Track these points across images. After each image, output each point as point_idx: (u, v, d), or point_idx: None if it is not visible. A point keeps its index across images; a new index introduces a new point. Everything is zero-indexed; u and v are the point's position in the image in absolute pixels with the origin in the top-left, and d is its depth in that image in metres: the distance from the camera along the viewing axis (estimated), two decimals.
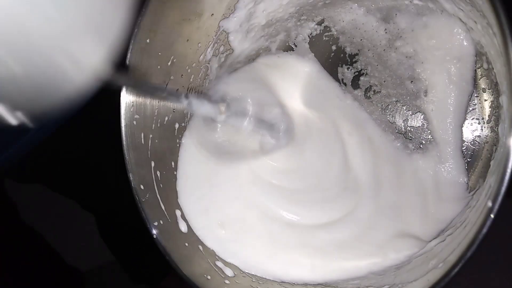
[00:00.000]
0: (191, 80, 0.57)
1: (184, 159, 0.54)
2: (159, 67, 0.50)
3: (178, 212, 0.50)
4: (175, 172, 0.54)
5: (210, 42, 0.56)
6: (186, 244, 0.47)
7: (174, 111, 0.55)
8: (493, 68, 0.50)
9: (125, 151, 0.46)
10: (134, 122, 0.48)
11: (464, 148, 0.54)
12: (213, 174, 0.53)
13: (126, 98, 0.47)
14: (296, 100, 0.61)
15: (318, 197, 0.52)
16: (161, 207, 0.48)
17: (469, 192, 0.52)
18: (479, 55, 0.52)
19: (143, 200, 0.46)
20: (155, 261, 0.51)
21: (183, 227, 0.49)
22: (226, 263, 0.47)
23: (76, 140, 0.74)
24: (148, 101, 0.50)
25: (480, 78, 0.53)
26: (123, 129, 0.46)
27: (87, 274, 0.99)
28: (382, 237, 0.49)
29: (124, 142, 0.46)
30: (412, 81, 0.57)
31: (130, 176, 0.46)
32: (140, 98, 0.49)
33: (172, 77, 0.53)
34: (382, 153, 0.57)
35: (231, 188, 0.52)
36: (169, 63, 0.51)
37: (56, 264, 0.91)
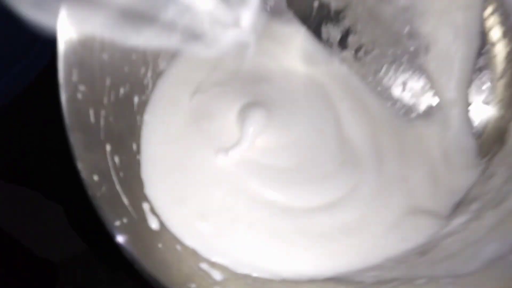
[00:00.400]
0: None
1: (149, 140, 0.44)
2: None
3: (146, 206, 0.40)
4: (138, 156, 0.43)
5: None
6: (160, 246, 0.37)
7: (130, 82, 0.44)
8: (510, 15, 0.43)
9: (68, 133, 0.35)
10: (79, 96, 0.37)
11: (472, 109, 0.48)
12: (186, 155, 0.43)
13: (67, 65, 0.36)
14: (273, 63, 0.52)
15: (315, 175, 0.44)
16: (123, 201, 0.38)
17: (481, 159, 0.46)
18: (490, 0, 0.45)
19: (98, 195, 0.35)
20: None
21: (153, 224, 0.39)
22: (213, 264, 0.38)
23: (22, 125, 0.63)
24: (97, 66, 0.38)
25: (491, 28, 0.46)
26: (64, 105, 0.35)
27: (60, 265, 0.94)
28: (392, 215, 0.42)
29: (67, 122, 0.35)
30: (410, 38, 0.50)
31: (78, 165, 0.35)
32: (85, 62, 0.37)
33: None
34: (380, 120, 0.50)
35: (210, 171, 0.42)
36: None
37: (27, 258, 0.84)
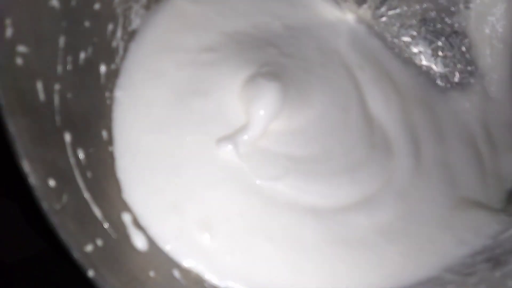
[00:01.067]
0: None
1: (123, 124, 0.33)
2: None
3: (127, 217, 0.29)
4: (110, 148, 0.31)
5: None
6: (152, 274, 0.27)
7: (94, 43, 0.31)
8: None
9: (7, 120, 0.23)
10: (19, 61, 0.24)
11: None
12: (176, 144, 0.32)
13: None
14: (278, 25, 0.41)
15: (343, 164, 0.35)
16: (94, 214, 0.27)
17: None
18: None
19: (58, 208, 0.24)
20: None
21: (139, 242, 0.29)
22: None
23: None
24: (44, 17, 0.26)
25: None
26: None
27: (16, 266, 0.81)
28: (440, 210, 0.34)
29: (3, 103, 0.23)
30: None
31: (25, 164, 0.23)
32: (25, 7, 0.25)
33: None
34: (409, 93, 0.41)
35: (209, 165, 0.32)
36: None
37: None
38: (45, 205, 0.24)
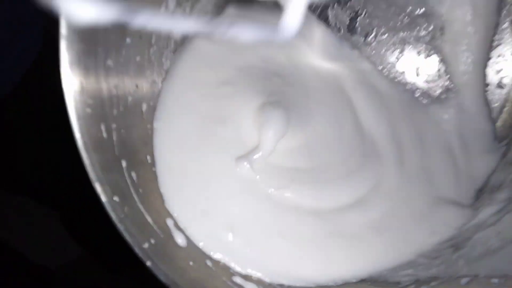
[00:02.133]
0: (152, 41, 0.42)
1: (162, 149, 0.41)
2: (109, 26, 0.35)
3: (170, 222, 0.38)
4: (153, 169, 0.40)
5: None
6: (191, 263, 0.36)
7: (137, 87, 0.40)
8: None
9: (84, 155, 0.32)
10: (88, 111, 0.33)
11: (488, 92, 0.47)
12: (204, 165, 0.41)
13: (70, 77, 0.32)
14: (282, 56, 0.49)
15: (339, 172, 0.42)
16: (147, 220, 0.36)
17: (499, 143, 0.46)
18: None
19: (122, 216, 0.33)
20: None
21: (180, 240, 0.37)
22: (246, 277, 0.37)
23: (14, 129, 0.59)
24: (102, 75, 0.35)
25: (509, 5, 0.44)
26: (75, 125, 0.32)
27: (57, 271, 0.92)
28: (419, 207, 0.42)
29: (80, 143, 0.32)
30: (424, 18, 0.48)
31: (98, 187, 0.32)
32: (90, 73, 0.34)
33: (128, 40, 0.38)
34: (395, 107, 0.48)
35: (232, 180, 0.40)
36: None
37: (23, 265, 0.82)
38: (113, 215, 0.33)
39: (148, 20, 0.21)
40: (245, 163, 0.40)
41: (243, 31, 0.21)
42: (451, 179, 0.44)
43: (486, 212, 0.38)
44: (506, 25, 0.45)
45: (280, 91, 0.44)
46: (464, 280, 0.33)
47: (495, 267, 0.31)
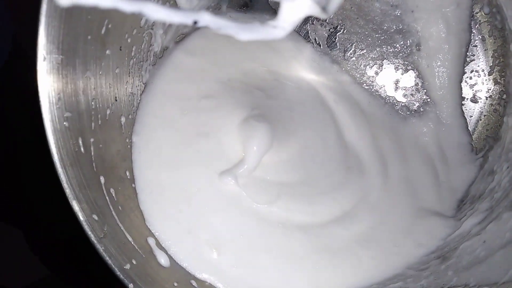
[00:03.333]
0: (132, 54, 0.41)
1: (141, 165, 0.39)
2: (89, 37, 0.33)
3: (151, 241, 0.36)
4: (133, 185, 0.38)
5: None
6: (176, 284, 0.34)
7: (116, 100, 0.39)
8: (498, 12, 0.44)
9: (60, 170, 0.30)
10: (66, 124, 0.32)
11: (464, 105, 0.48)
12: (185, 179, 0.39)
13: (48, 89, 0.30)
14: (263, 71, 0.49)
15: (325, 186, 0.42)
16: (128, 239, 0.34)
17: (476, 154, 0.47)
18: None
19: (102, 236, 0.31)
20: (100, 268, 0.36)
21: (163, 260, 0.35)
22: None
23: None
24: (80, 86, 0.33)
25: (479, 24, 0.46)
26: (51, 139, 0.30)
27: None
28: (404, 219, 0.42)
29: (56, 157, 0.30)
30: (401, 35, 0.49)
31: (75, 205, 0.30)
32: (68, 85, 0.32)
33: (108, 51, 0.36)
34: (376, 121, 0.49)
35: (214, 195, 0.39)
36: (102, 31, 0.35)
37: None
38: (92, 235, 0.31)
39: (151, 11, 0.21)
40: (230, 178, 0.39)
41: (239, 29, 0.22)
42: (433, 190, 0.44)
43: (470, 222, 0.39)
44: (477, 42, 0.47)
45: (263, 104, 0.44)
46: None
47: (484, 276, 0.32)
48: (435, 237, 0.40)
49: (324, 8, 0.23)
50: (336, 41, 0.51)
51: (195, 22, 0.20)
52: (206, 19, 0.21)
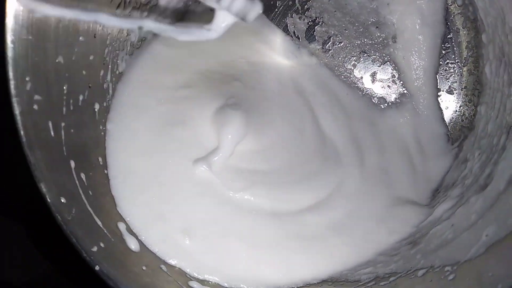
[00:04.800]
0: (107, 42, 0.41)
1: (115, 151, 0.40)
2: (61, 22, 0.34)
3: (121, 225, 0.36)
4: (105, 171, 0.38)
5: None
6: (144, 268, 0.34)
7: (90, 87, 0.39)
8: (470, 4, 0.44)
9: (28, 152, 0.30)
10: (35, 107, 0.32)
11: (440, 97, 0.49)
12: (159, 166, 0.39)
13: (17, 72, 0.30)
14: (242, 60, 0.49)
15: (300, 175, 0.42)
16: (96, 223, 0.34)
17: (452, 144, 0.47)
18: None
19: (69, 218, 0.31)
20: None
21: (132, 245, 0.35)
22: (204, 282, 0.35)
23: None
24: (52, 71, 0.33)
25: (453, 16, 0.47)
26: (18, 119, 0.30)
27: (20, 287, 0.84)
28: (379, 208, 0.42)
29: (24, 139, 0.30)
30: (377, 27, 0.50)
31: (42, 187, 0.30)
32: (38, 68, 0.32)
33: (81, 38, 0.37)
34: (353, 112, 0.49)
35: (189, 183, 0.39)
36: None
37: None
38: (59, 217, 0.31)
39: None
40: (204, 166, 0.39)
41: (179, 32, 0.27)
42: (409, 180, 0.45)
43: (441, 208, 0.39)
44: (451, 34, 0.47)
45: (240, 94, 0.44)
46: (420, 272, 0.33)
47: (449, 256, 0.32)
48: (408, 225, 0.40)
49: (243, 18, 0.28)
50: (314, 34, 0.52)
51: (140, 28, 0.24)
52: (149, 25, 0.26)
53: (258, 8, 0.28)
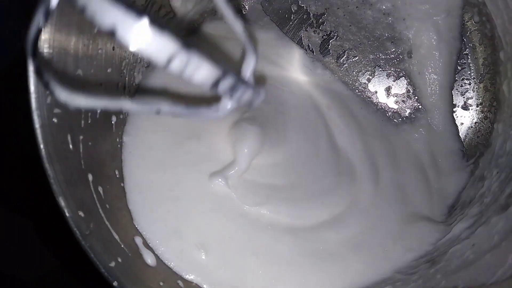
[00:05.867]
0: (125, 54, 0.41)
1: (131, 164, 0.39)
2: (81, 35, 0.34)
3: (138, 240, 0.36)
4: (122, 184, 0.38)
5: (148, 1, 0.41)
6: (161, 284, 0.33)
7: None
8: (487, 21, 0.44)
9: (47, 166, 0.30)
10: (55, 120, 0.32)
11: (455, 112, 0.49)
12: (176, 181, 0.39)
13: (38, 85, 0.30)
14: (257, 75, 0.49)
15: (315, 190, 0.42)
16: (114, 237, 0.33)
17: (467, 161, 0.47)
18: (469, 6, 0.46)
19: (87, 233, 0.31)
20: None
21: (149, 259, 0.35)
22: None
23: None
24: (73, 82, 0.33)
25: (469, 32, 0.47)
26: (38, 132, 0.30)
27: (31, 282, 0.83)
28: (394, 225, 0.42)
29: (44, 152, 0.30)
30: (393, 42, 0.49)
31: (61, 201, 0.30)
32: (60, 79, 0.32)
33: (100, 51, 0.37)
34: (368, 127, 0.49)
35: (203, 196, 0.38)
36: (95, 30, 0.35)
37: None
38: (77, 232, 0.30)
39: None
40: (220, 180, 0.39)
41: (191, 113, 0.27)
42: (424, 196, 0.44)
43: (460, 226, 0.39)
44: (468, 50, 0.47)
45: (255, 108, 0.44)
46: None
47: (472, 278, 0.31)
48: (425, 242, 0.40)
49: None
50: (329, 48, 0.52)
51: (158, 112, 0.26)
52: (165, 109, 0.26)
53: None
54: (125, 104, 0.26)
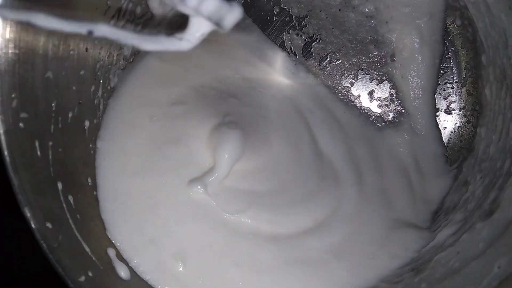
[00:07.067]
0: (99, 56, 0.39)
1: (105, 171, 0.38)
2: (51, 35, 0.32)
3: (111, 252, 0.34)
4: (95, 192, 0.36)
5: (123, 1, 0.39)
6: None
7: (80, 103, 0.37)
8: (469, 25, 0.44)
9: (11, 175, 0.28)
10: (21, 125, 0.30)
11: (438, 116, 0.48)
12: (151, 187, 0.37)
13: (1, 80, 0.28)
14: (238, 78, 0.48)
15: (298, 195, 0.41)
16: (85, 249, 0.31)
17: (450, 165, 0.47)
18: (451, 9, 0.45)
19: (55, 246, 0.29)
20: None
21: (123, 272, 0.33)
22: None
23: None
24: (40, 87, 0.31)
25: (452, 36, 0.47)
26: (2, 139, 0.28)
27: (26, 283, 0.80)
28: (379, 231, 0.41)
29: (8, 160, 0.28)
30: (375, 45, 0.49)
31: (27, 211, 0.28)
32: (25, 84, 0.30)
33: (72, 52, 0.35)
34: (351, 131, 0.48)
35: (182, 204, 0.37)
36: None
37: None
38: (44, 244, 0.28)
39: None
40: (199, 187, 0.37)
41: (142, 40, 0.23)
42: (408, 201, 0.44)
43: (444, 233, 0.38)
44: (450, 54, 0.47)
45: (236, 111, 0.43)
46: None
47: (458, 287, 0.31)
48: (409, 249, 0.39)
49: (220, 24, 0.24)
50: (312, 51, 0.51)
51: (90, 32, 0.21)
52: (102, 29, 0.22)
53: (236, 13, 0.24)
54: (36, 16, 0.21)
